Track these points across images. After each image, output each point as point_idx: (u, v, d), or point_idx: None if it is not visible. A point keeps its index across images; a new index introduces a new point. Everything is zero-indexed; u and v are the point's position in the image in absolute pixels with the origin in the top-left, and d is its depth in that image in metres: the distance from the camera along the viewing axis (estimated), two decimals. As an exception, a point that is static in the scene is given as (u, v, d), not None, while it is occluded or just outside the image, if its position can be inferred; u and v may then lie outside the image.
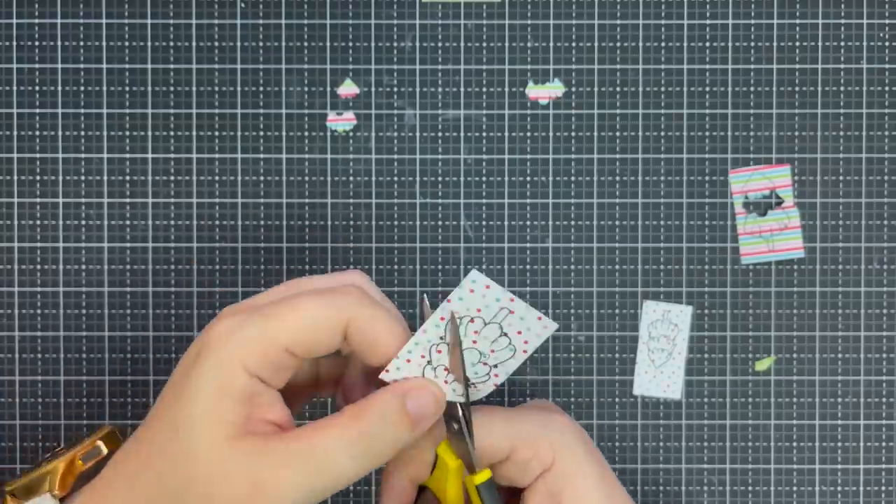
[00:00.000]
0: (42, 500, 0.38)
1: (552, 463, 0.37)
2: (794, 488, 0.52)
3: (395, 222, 0.52)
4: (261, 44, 0.52)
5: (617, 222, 0.52)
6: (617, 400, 0.52)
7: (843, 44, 0.52)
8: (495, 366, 0.36)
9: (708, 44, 0.52)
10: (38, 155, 0.52)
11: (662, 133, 0.52)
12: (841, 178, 0.52)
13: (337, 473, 0.32)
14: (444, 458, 0.36)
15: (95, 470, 0.38)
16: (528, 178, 0.52)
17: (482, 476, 0.36)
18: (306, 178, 0.52)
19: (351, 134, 0.52)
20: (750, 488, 0.52)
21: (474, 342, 0.35)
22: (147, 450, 0.34)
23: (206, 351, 0.33)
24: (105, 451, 0.40)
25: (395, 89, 0.52)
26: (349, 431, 0.32)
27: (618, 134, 0.52)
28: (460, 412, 0.35)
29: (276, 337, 0.33)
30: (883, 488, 0.52)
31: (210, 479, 0.32)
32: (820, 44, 0.52)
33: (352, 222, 0.52)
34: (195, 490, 0.32)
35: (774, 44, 0.52)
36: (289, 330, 0.33)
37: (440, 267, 0.52)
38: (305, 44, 0.52)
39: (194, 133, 0.52)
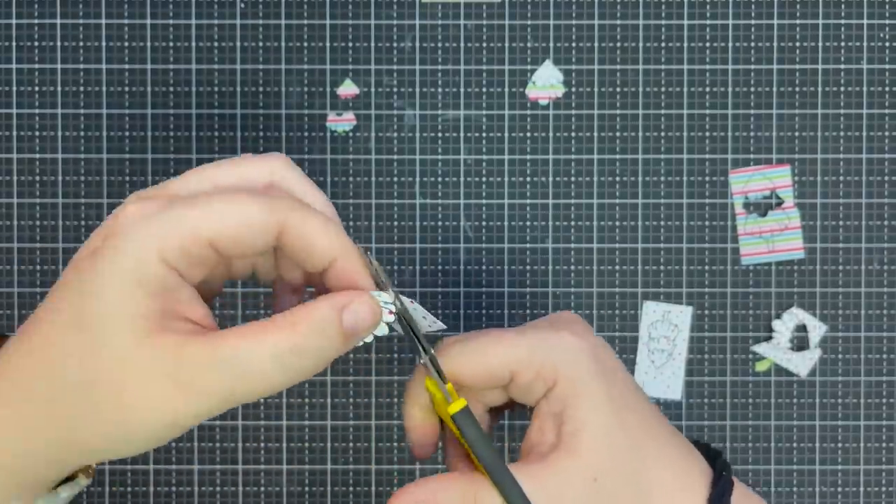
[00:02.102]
0: None
1: (554, 383, 0.35)
2: (795, 489, 0.52)
3: (395, 222, 0.52)
4: (260, 44, 0.52)
5: (617, 223, 0.52)
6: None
7: (843, 44, 0.52)
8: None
9: (708, 44, 0.52)
10: (37, 155, 0.52)
11: (662, 133, 0.52)
12: (841, 178, 0.52)
13: (264, 383, 0.30)
14: (430, 390, 0.36)
15: None
16: (528, 179, 0.52)
17: (455, 406, 0.34)
18: (306, 179, 0.52)
19: (351, 134, 0.52)
20: (750, 489, 0.52)
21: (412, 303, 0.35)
22: (42, 350, 0.30)
23: (115, 238, 0.29)
24: None
25: (395, 90, 0.52)
26: (281, 342, 0.30)
27: (618, 134, 0.52)
28: (419, 345, 0.35)
29: (199, 228, 0.30)
30: (883, 489, 0.52)
31: (124, 379, 0.29)
32: (820, 44, 0.52)
33: (352, 222, 0.52)
34: (104, 392, 0.29)
35: (774, 44, 0.52)
36: (215, 223, 0.30)
37: (440, 267, 0.52)
38: (305, 44, 0.52)
39: (194, 133, 0.52)
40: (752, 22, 0.52)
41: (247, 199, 0.30)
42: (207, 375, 0.29)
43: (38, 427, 0.30)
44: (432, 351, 0.35)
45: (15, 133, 0.52)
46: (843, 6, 0.52)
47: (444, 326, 0.36)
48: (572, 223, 0.52)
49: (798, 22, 0.52)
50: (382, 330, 0.33)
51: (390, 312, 0.33)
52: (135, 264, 0.29)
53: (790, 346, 0.52)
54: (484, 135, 0.52)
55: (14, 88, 0.52)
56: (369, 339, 0.33)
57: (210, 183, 0.32)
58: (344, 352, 0.32)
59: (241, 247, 0.31)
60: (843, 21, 0.52)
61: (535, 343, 0.35)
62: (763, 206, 0.52)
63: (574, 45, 0.52)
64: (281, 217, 0.30)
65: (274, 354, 0.30)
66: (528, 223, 0.52)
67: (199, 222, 0.30)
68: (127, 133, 0.52)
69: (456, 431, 0.35)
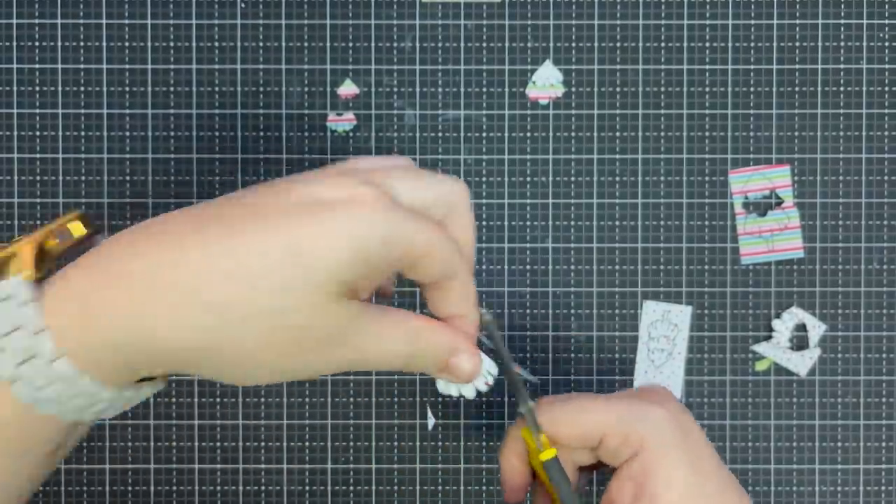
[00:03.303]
0: (8, 284, 0.31)
1: (639, 449, 0.38)
2: (794, 488, 0.52)
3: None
4: (261, 44, 0.52)
5: (617, 222, 0.52)
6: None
7: (842, 44, 0.52)
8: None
9: (708, 44, 0.52)
10: (38, 155, 0.52)
11: (662, 133, 0.52)
12: (841, 178, 0.52)
13: (388, 360, 0.34)
14: (526, 440, 0.40)
15: (75, 255, 0.33)
16: (528, 178, 0.52)
17: (547, 454, 0.39)
18: (306, 179, 0.52)
19: (351, 134, 0.52)
20: (750, 488, 0.52)
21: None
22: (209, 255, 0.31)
23: (349, 217, 0.31)
24: (75, 234, 0.35)
25: (395, 89, 0.52)
26: (409, 337, 0.34)
27: (617, 134, 0.52)
28: (521, 397, 0.39)
29: (413, 249, 0.33)
30: (883, 488, 0.52)
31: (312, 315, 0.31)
32: (820, 44, 0.52)
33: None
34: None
35: (774, 44, 0.52)
36: (422, 249, 0.33)
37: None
38: (305, 44, 0.52)
39: (194, 133, 0.52)
40: (752, 22, 0.52)
41: (448, 243, 0.33)
42: (385, 330, 0.33)
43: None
44: (531, 403, 0.39)
45: (16, 133, 0.52)
46: (842, 6, 0.52)
47: (537, 381, 0.42)
48: (572, 223, 0.52)
49: (798, 22, 0.52)
50: (471, 393, 0.38)
51: (486, 383, 0.37)
52: (358, 243, 0.31)
53: (790, 345, 0.52)
54: (484, 135, 0.52)
55: (15, 88, 0.52)
56: (462, 391, 0.38)
57: (414, 195, 0.34)
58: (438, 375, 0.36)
59: (414, 272, 0.34)
60: (842, 21, 0.52)
61: (624, 412, 0.39)
62: (763, 206, 0.52)
63: (574, 45, 0.52)
64: (456, 265, 0.34)
65: (407, 343, 0.34)
66: (528, 223, 0.52)
67: (415, 247, 0.32)
68: (127, 133, 0.52)
69: (545, 479, 0.39)
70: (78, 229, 0.36)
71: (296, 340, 0.32)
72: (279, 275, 0.30)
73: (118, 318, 0.31)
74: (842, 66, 0.52)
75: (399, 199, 0.33)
